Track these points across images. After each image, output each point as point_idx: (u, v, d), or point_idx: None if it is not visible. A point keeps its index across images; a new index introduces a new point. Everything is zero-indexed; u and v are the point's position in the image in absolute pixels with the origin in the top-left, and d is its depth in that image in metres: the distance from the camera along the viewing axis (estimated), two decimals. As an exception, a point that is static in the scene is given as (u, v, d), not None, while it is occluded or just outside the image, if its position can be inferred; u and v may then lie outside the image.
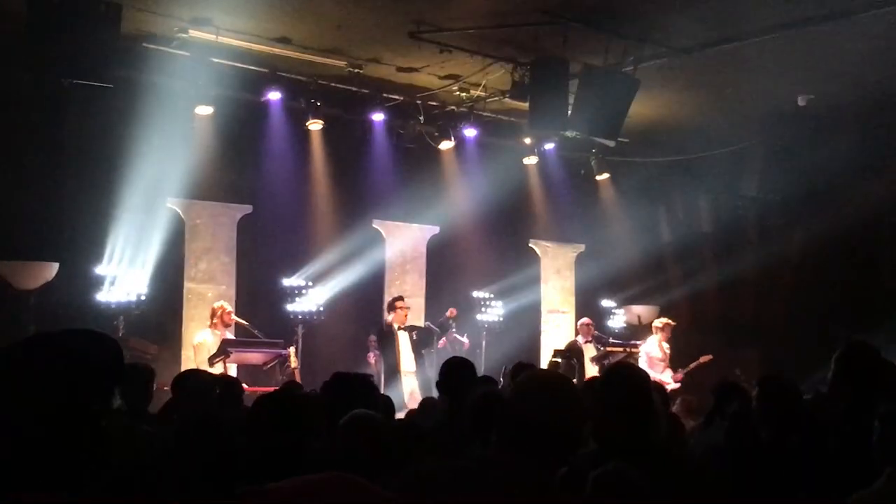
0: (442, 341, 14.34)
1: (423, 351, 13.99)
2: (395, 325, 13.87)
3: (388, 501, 3.08)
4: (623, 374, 4.09)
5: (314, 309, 14.09)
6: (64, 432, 2.46)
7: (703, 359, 15.00)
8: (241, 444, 3.33)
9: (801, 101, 14.59)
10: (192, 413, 3.83)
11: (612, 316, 17.51)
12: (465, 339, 14.69)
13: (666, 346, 15.20)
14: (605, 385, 4.09)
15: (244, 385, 11.64)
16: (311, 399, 4.88)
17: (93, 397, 2.54)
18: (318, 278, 14.52)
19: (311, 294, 14.14)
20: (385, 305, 14.53)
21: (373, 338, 14.13)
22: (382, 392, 9.59)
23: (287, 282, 14.16)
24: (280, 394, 4.73)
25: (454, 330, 14.68)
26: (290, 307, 13.95)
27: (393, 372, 13.45)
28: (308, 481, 3.02)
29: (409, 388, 13.26)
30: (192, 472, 3.09)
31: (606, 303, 17.68)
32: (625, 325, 17.32)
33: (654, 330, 15.41)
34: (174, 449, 3.27)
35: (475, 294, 16.09)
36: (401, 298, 14.28)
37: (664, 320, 15.47)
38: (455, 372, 6.21)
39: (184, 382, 6.83)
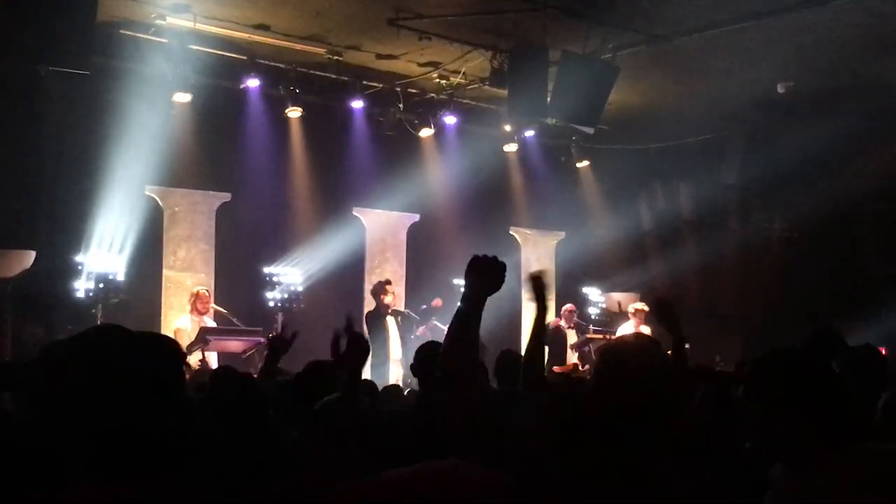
0: (421, 329, 14.28)
1: (406, 337, 13.89)
2: (383, 311, 13.74)
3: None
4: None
5: (293, 297, 14.06)
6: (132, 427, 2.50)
7: None
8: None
9: (780, 89, 14.62)
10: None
11: (591, 303, 17.52)
12: (444, 327, 14.58)
13: (647, 330, 15.14)
14: None
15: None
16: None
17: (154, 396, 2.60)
18: (297, 266, 14.49)
19: (291, 282, 14.11)
20: (371, 290, 14.41)
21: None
22: (370, 378, 9.54)
23: (266, 270, 14.12)
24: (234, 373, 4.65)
25: (435, 318, 14.63)
26: (269, 295, 13.92)
27: (383, 359, 13.27)
28: (423, 470, 2.81)
29: (396, 375, 13.18)
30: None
31: (587, 290, 17.68)
32: (605, 311, 17.31)
33: (629, 315, 15.43)
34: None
35: (455, 281, 16.08)
36: (389, 282, 14.18)
37: (637, 306, 15.45)
38: (429, 357, 6.18)
39: None
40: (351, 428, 3.95)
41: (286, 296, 13.96)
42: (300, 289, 14.19)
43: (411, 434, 4.35)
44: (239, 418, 3.72)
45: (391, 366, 13.30)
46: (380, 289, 13.95)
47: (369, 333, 13.34)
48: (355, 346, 3.82)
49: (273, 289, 13.93)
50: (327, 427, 3.97)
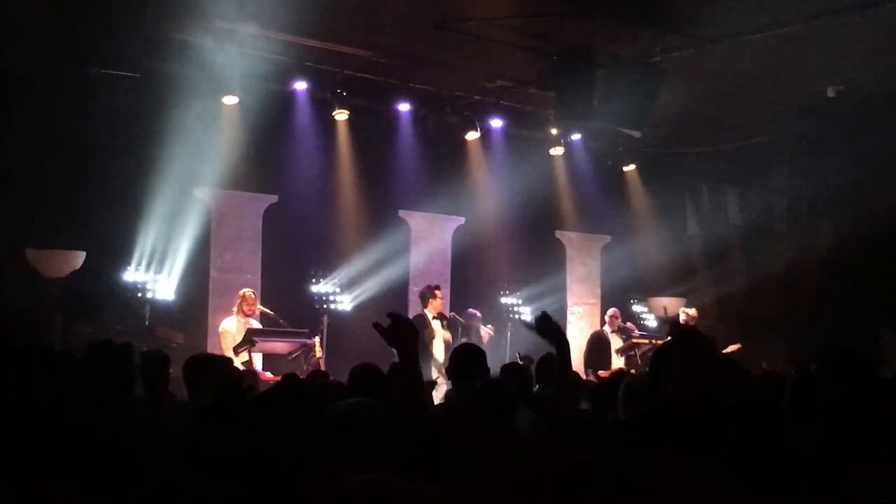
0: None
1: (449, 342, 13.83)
2: (430, 315, 13.70)
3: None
4: None
5: (339, 298, 14.10)
6: None
7: (732, 348, 14.59)
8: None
9: (830, 93, 14.47)
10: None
11: (637, 307, 17.44)
12: (486, 330, 14.53)
13: None
14: None
15: (269, 374, 11.73)
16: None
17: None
18: (343, 268, 14.54)
19: (337, 283, 14.16)
20: (419, 294, 14.37)
21: None
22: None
23: (313, 271, 14.18)
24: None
25: (482, 324, 14.52)
26: (315, 297, 13.97)
27: (427, 363, 13.24)
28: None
29: (440, 380, 13.16)
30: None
31: (632, 294, 17.61)
32: (661, 319, 17.21)
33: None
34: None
35: (500, 287, 16.05)
36: (438, 287, 14.14)
37: (689, 311, 15.33)
38: (461, 359, 6.21)
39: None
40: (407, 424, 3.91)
41: (332, 297, 14.01)
42: (346, 290, 14.24)
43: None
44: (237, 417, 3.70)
45: (434, 370, 13.29)
46: (428, 293, 13.92)
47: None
48: (398, 322, 3.84)
49: (319, 290, 13.98)
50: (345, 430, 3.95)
